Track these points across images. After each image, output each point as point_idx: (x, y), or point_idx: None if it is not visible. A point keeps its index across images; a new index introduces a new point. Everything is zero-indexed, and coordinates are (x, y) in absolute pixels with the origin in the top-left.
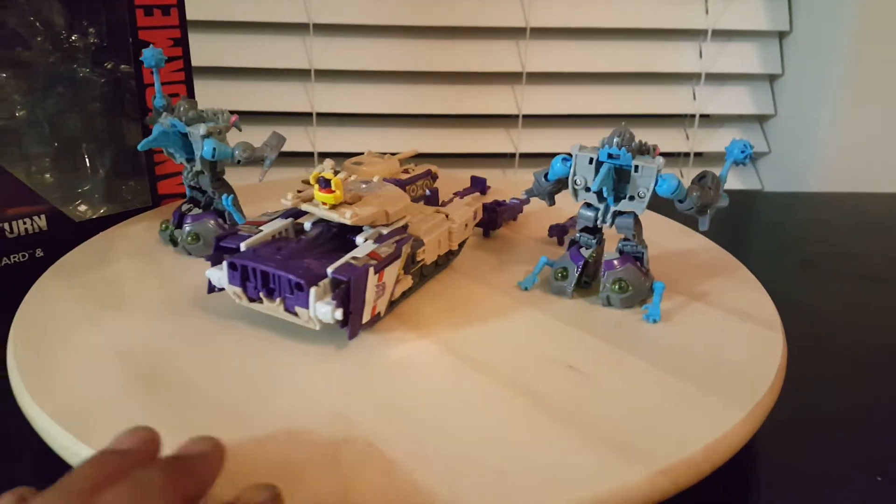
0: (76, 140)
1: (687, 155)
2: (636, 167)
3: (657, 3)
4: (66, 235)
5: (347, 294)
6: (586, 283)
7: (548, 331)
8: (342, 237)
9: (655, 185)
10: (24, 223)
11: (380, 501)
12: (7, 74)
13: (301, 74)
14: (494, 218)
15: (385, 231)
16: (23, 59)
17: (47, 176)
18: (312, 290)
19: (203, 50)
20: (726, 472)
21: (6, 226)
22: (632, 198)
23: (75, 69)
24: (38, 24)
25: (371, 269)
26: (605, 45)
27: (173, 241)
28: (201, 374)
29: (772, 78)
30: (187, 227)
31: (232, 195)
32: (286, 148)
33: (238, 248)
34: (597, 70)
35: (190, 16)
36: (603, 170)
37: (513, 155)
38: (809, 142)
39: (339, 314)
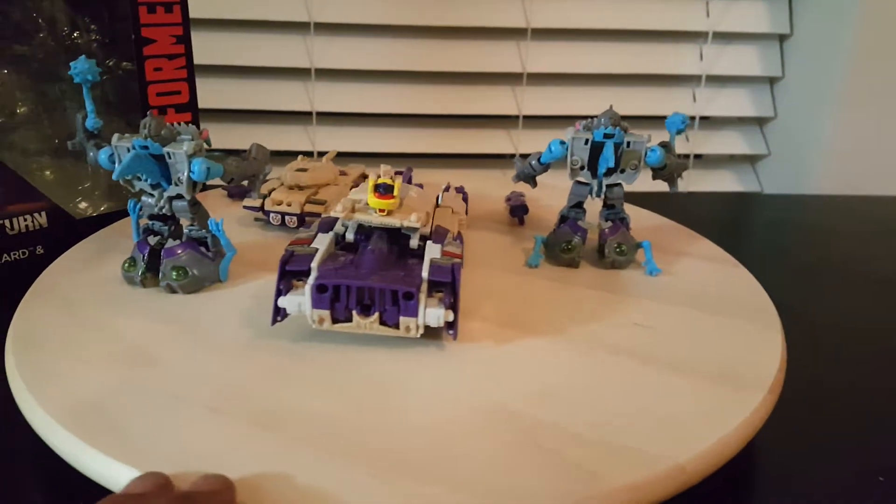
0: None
1: (687, 157)
2: (628, 143)
3: (658, 5)
4: (66, 232)
5: (454, 294)
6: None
7: (588, 298)
8: (388, 244)
9: (645, 156)
10: (25, 220)
11: (607, 467)
12: (8, 70)
13: (301, 73)
14: (526, 207)
15: (427, 231)
16: (24, 55)
17: (48, 173)
18: (423, 297)
19: (204, 48)
20: (727, 473)
21: (6, 223)
22: (622, 171)
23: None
24: (40, 20)
25: (461, 267)
26: (606, 46)
27: (144, 282)
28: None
29: (772, 80)
30: (170, 264)
31: (219, 219)
32: (286, 147)
33: (307, 271)
34: (597, 71)
35: (192, 14)
36: (608, 148)
37: (513, 156)
38: (809, 144)
39: (450, 316)
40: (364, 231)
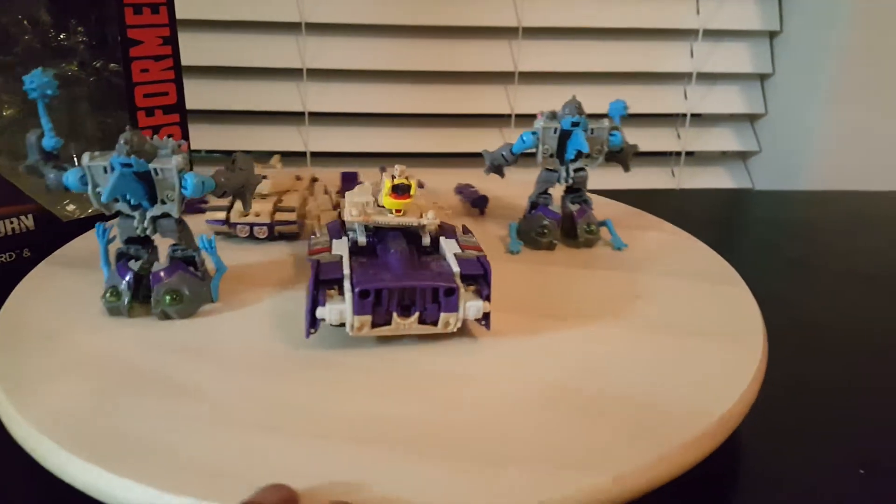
0: (64, 139)
1: (678, 154)
2: (592, 130)
3: (649, 4)
4: (53, 235)
5: (488, 286)
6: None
7: (582, 277)
8: (401, 243)
9: (608, 141)
10: (11, 223)
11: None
12: None
13: (293, 74)
14: (486, 197)
15: (433, 227)
16: (10, 57)
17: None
18: (463, 291)
19: (194, 49)
20: (711, 467)
21: None
22: (588, 155)
23: (64, 68)
24: (26, 22)
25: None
26: (597, 44)
27: (132, 312)
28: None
29: (762, 77)
30: (163, 288)
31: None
32: (278, 147)
33: (339, 279)
34: (589, 70)
35: (180, 14)
36: (579, 134)
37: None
38: (800, 141)
39: (487, 307)
40: (373, 233)
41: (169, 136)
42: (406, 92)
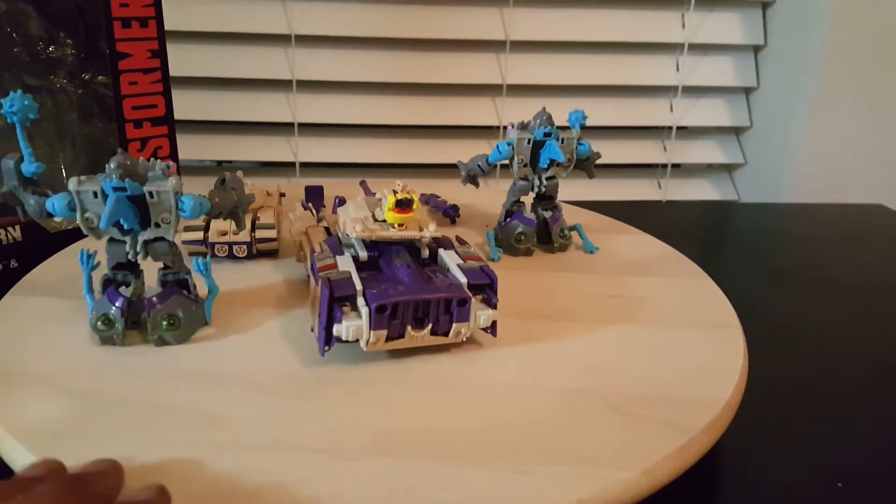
0: (52, 151)
1: (664, 166)
2: (562, 140)
3: (635, 18)
4: (40, 246)
5: (495, 295)
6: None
7: (564, 281)
8: (406, 256)
9: (577, 149)
10: None
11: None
12: None
13: (283, 85)
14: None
15: (429, 239)
16: None
17: None
18: (474, 301)
19: (186, 60)
20: (690, 479)
21: None
22: (558, 164)
23: (53, 80)
24: (14, 35)
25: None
26: (584, 58)
27: (121, 339)
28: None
29: (747, 91)
30: (160, 314)
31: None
32: (268, 158)
33: (353, 295)
34: (576, 83)
35: (170, 25)
36: (553, 145)
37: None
38: (785, 153)
39: (495, 315)
40: (372, 247)
41: (156, 159)
42: (395, 103)
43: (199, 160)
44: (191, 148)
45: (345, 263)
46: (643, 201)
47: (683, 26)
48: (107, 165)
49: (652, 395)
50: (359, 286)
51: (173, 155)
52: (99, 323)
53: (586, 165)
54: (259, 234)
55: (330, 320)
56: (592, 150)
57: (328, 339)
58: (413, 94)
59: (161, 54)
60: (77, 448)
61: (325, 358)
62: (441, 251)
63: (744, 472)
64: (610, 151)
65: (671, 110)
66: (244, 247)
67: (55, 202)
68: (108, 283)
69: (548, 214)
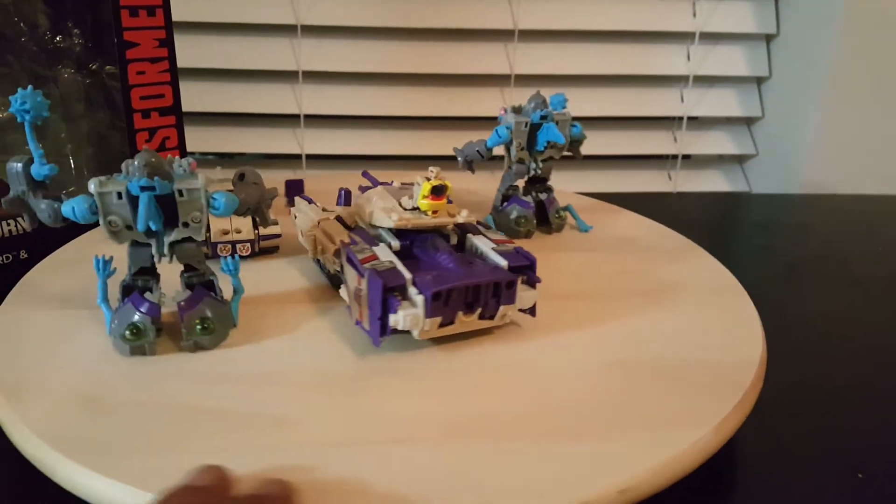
0: (61, 141)
1: (675, 157)
2: (557, 122)
3: (645, 6)
4: (50, 237)
5: (534, 274)
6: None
7: (571, 260)
8: (437, 244)
9: (570, 131)
10: (8, 225)
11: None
12: None
13: (289, 76)
14: None
15: (457, 225)
16: (6, 59)
17: None
18: (520, 282)
19: (191, 51)
20: (708, 472)
21: None
22: (553, 146)
23: (60, 70)
24: (22, 24)
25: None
26: (594, 47)
27: (153, 348)
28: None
29: (759, 80)
30: (194, 317)
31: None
32: (273, 150)
33: (403, 284)
34: (585, 72)
35: (176, 17)
36: (552, 127)
37: (502, 157)
38: (797, 144)
39: (535, 295)
40: (403, 236)
41: (177, 157)
42: (402, 94)
43: (204, 152)
44: (195, 140)
45: (385, 254)
46: (654, 193)
47: (694, 15)
48: (128, 164)
49: (693, 359)
50: (407, 275)
51: (181, 145)
52: (127, 333)
53: (574, 147)
54: (263, 230)
55: (385, 311)
56: (583, 133)
57: (384, 329)
58: (420, 84)
59: (168, 43)
60: (162, 460)
61: (371, 351)
62: (470, 236)
63: (762, 464)
64: (620, 142)
65: (682, 100)
66: (248, 245)
67: (75, 207)
68: (128, 289)
69: (543, 196)
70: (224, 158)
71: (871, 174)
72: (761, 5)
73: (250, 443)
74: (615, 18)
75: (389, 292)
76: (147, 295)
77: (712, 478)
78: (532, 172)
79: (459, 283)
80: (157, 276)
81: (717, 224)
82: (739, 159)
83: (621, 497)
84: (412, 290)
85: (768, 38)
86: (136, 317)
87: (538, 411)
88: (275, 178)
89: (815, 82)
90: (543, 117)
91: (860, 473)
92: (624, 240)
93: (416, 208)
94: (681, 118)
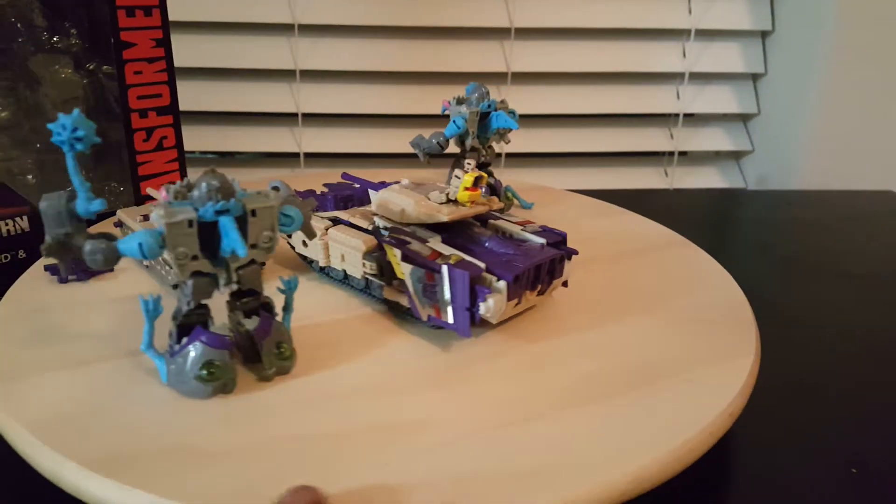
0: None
1: (671, 154)
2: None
3: (641, 4)
4: None
5: (571, 248)
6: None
7: None
8: (479, 231)
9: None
10: (6, 224)
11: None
12: None
13: (286, 75)
14: None
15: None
16: (4, 59)
17: (29, 177)
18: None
19: (188, 50)
20: (702, 465)
21: None
22: (499, 133)
23: (57, 70)
24: (19, 25)
25: None
26: (590, 45)
27: (233, 384)
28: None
29: (755, 77)
30: (273, 342)
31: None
32: (271, 149)
33: (481, 274)
34: (581, 70)
35: (173, 16)
36: (502, 114)
37: (499, 154)
38: (793, 140)
39: (570, 268)
40: (439, 229)
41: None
42: (399, 93)
43: (202, 151)
44: (193, 139)
45: (442, 248)
46: (650, 189)
47: (690, 12)
48: (192, 190)
49: (686, 355)
50: (481, 264)
51: (179, 145)
52: (204, 373)
53: (503, 132)
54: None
55: (474, 301)
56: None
57: (474, 318)
58: (418, 83)
59: (165, 43)
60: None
61: (447, 343)
62: (492, 221)
63: (757, 461)
64: (616, 139)
65: (678, 97)
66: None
67: (143, 244)
68: (184, 328)
69: (492, 181)
70: (222, 157)
71: (866, 170)
72: (756, 2)
73: (403, 451)
74: (611, 16)
75: (475, 282)
76: (217, 331)
77: (704, 476)
78: (482, 159)
79: (530, 264)
80: (207, 307)
81: (713, 220)
82: (735, 156)
83: (621, 497)
84: (491, 278)
85: (764, 35)
86: (213, 354)
87: (614, 370)
88: (269, 179)
89: (810, 78)
90: (489, 106)
91: (854, 469)
92: (617, 236)
93: (450, 201)
94: (677, 115)
